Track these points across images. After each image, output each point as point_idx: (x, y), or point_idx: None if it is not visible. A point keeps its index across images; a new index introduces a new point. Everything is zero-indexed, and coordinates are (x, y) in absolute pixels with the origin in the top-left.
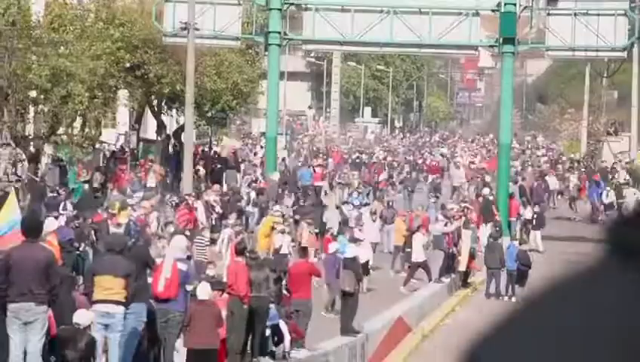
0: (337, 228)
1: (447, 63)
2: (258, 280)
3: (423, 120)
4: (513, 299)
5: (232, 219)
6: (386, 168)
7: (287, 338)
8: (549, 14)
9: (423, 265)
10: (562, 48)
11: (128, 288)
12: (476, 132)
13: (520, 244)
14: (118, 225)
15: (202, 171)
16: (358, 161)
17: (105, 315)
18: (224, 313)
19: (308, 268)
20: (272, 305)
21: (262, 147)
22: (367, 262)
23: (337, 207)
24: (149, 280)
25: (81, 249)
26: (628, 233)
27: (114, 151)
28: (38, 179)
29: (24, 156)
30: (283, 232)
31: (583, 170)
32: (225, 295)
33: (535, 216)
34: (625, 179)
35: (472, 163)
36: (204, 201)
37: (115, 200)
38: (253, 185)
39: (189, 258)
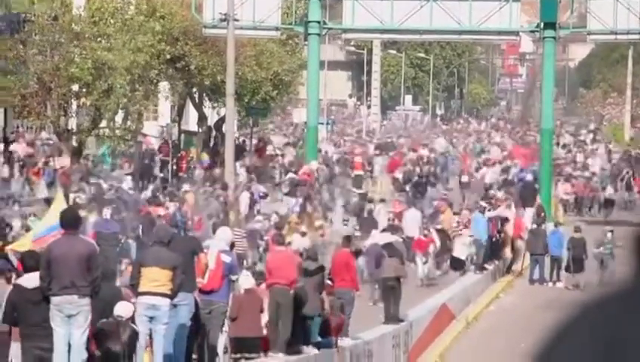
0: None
1: (488, 49)
2: None
3: (465, 107)
4: (558, 285)
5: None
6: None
7: None
8: None
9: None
10: (604, 32)
11: (175, 280)
12: (506, 119)
13: (575, 231)
14: (159, 216)
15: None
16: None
17: (150, 307)
18: (266, 302)
19: (350, 257)
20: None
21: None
22: (468, 257)
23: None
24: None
25: (122, 241)
26: None
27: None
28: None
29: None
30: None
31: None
32: (263, 285)
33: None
34: None
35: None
36: (250, 193)
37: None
38: (290, 175)
39: (231, 248)
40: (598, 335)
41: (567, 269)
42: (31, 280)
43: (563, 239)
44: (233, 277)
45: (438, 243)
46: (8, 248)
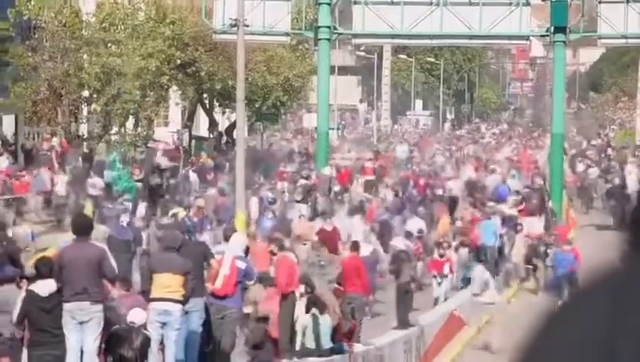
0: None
1: (499, 54)
2: None
3: (475, 111)
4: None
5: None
6: None
7: None
8: (600, 2)
9: None
10: (614, 36)
11: (186, 285)
12: (516, 124)
13: None
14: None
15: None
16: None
17: (163, 313)
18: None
19: (361, 262)
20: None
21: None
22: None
23: None
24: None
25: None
26: None
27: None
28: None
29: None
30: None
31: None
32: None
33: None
34: None
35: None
36: (258, 197)
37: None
38: (303, 181)
39: (246, 254)
40: (598, 322)
41: None
42: (44, 287)
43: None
44: (249, 283)
45: (454, 261)
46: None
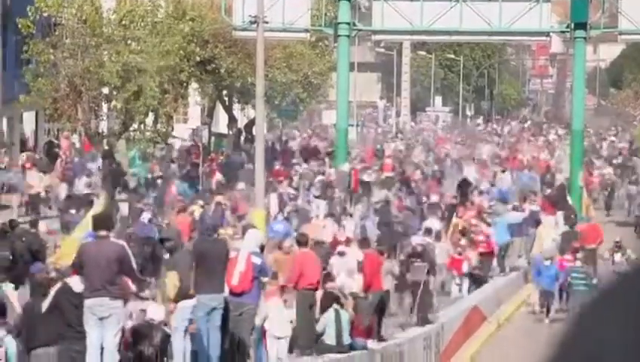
0: None
1: (518, 50)
2: None
3: (495, 108)
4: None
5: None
6: None
7: None
8: None
9: None
10: (635, 32)
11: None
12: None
13: None
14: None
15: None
16: None
17: (193, 311)
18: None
19: (379, 259)
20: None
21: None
22: None
23: None
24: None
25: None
26: None
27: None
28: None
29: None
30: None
31: None
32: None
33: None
34: None
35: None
36: (278, 194)
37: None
38: (320, 177)
39: (262, 250)
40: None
41: None
42: (79, 283)
43: (558, 274)
44: (264, 279)
45: (473, 260)
46: (49, 261)
